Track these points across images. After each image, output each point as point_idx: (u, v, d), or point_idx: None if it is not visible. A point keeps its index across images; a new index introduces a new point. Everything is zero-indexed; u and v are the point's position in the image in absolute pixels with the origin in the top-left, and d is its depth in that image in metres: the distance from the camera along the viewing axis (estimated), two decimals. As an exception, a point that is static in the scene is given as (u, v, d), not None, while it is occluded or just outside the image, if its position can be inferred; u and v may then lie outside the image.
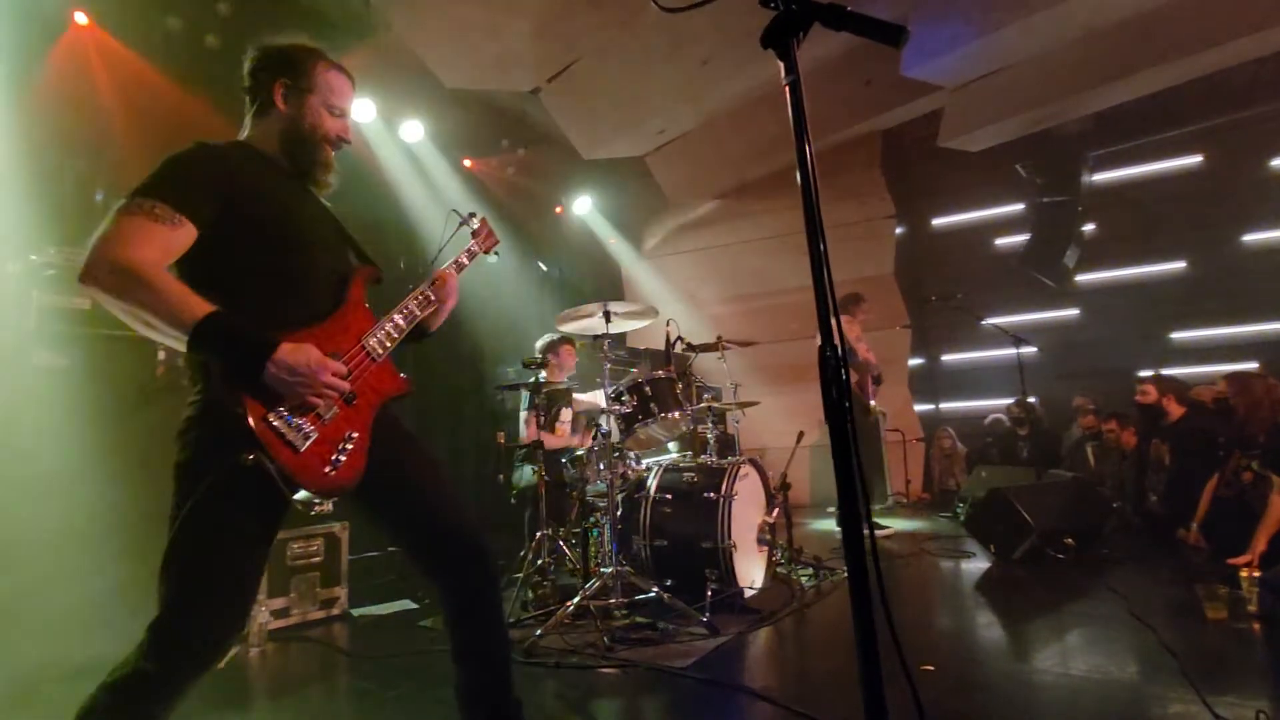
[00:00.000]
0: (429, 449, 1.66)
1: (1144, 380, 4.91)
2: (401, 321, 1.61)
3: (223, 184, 1.39)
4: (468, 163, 6.12)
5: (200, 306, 1.25)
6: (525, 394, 4.11)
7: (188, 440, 1.36)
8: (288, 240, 1.47)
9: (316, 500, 1.37)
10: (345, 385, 1.38)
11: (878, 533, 5.06)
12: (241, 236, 1.40)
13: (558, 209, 7.21)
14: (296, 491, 1.33)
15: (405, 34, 4.95)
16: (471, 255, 1.95)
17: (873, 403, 5.84)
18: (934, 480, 7.27)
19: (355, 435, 1.42)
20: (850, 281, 6.85)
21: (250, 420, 1.25)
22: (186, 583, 1.31)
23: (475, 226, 2.05)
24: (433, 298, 1.69)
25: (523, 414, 4.12)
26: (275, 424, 1.29)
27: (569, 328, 3.57)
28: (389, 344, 1.56)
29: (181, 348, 1.28)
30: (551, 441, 4.00)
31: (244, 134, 1.59)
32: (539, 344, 4.28)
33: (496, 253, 2.10)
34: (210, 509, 1.29)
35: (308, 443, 1.32)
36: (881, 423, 6.88)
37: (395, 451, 1.53)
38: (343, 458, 1.38)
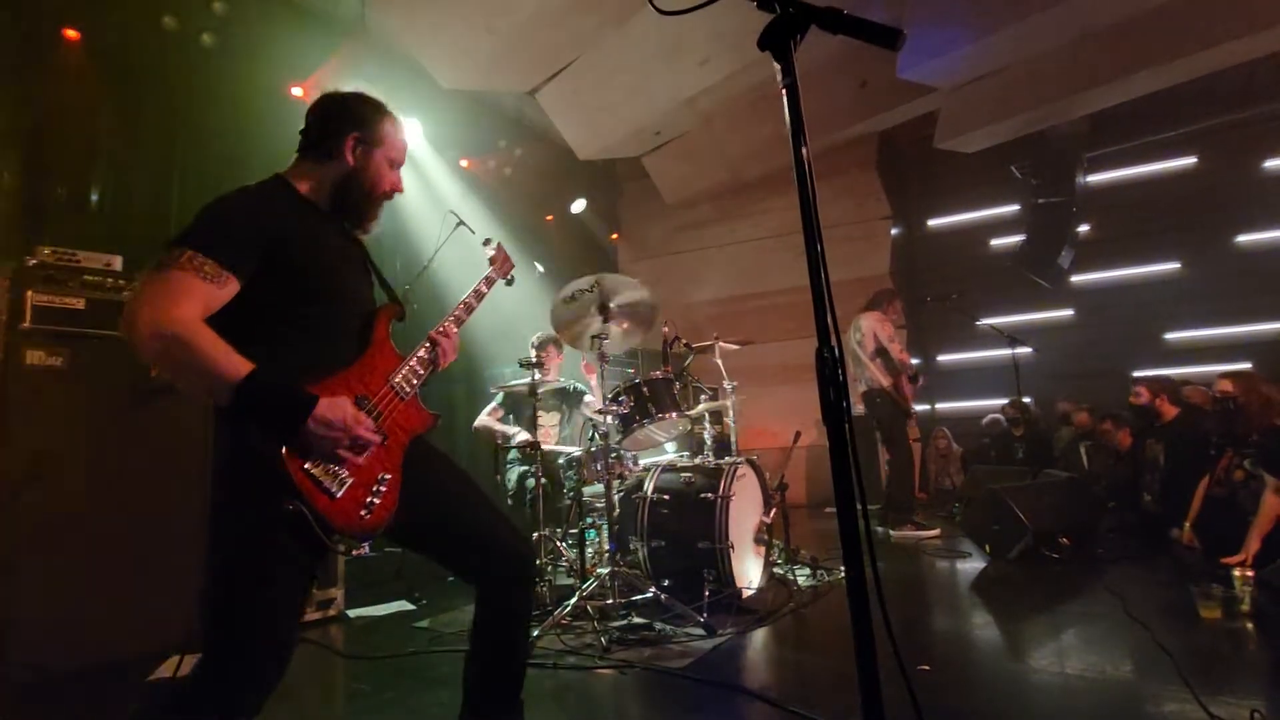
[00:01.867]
0: (455, 465, 1.68)
1: (1137, 381, 4.93)
2: (425, 355, 1.65)
3: (267, 237, 1.39)
4: (464, 163, 6.11)
5: (241, 366, 1.25)
6: (499, 393, 4.23)
7: (224, 482, 1.35)
8: (322, 291, 1.47)
9: (354, 545, 1.37)
10: (377, 439, 1.39)
11: (923, 534, 5.04)
12: (277, 287, 1.40)
13: (548, 218, 7.21)
14: (333, 536, 1.32)
15: (402, 34, 4.95)
16: (490, 282, 1.99)
17: (914, 407, 5.63)
18: (930, 480, 7.29)
19: (388, 477, 1.43)
20: (847, 282, 6.86)
21: (289, 469, 1.26)
22: (227, 627, 1.30)
23: (493, 253, 2.08)
24: (429, 360, 1.67)
25: (488, 407, 4.25)
26: (313, 471, 1.30)
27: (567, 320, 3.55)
28: (415, 381, 1.58)
29: (222, 403, 1.27)
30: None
31: (289, 169, 1.58)
32: (533, 340, 4.28)
33: (512, 278, 2.13)
34: (249, 557, 1.29)
35: (343, 488, 1.33)
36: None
37: (424, 482, 1.54)
38: (376, 500, 1.39)
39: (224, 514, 1.33)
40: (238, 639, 1.30)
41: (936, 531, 5.12)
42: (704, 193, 7.97)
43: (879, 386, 5.25)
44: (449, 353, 1.71)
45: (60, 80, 3.54)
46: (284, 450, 1.26)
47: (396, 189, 1.65)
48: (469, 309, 1.85)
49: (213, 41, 4.12)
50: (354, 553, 1.21)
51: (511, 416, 4.27)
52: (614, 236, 7.89)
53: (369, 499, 1.38)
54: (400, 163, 1.65)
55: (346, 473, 1.34)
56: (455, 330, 1.75)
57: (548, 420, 4.21)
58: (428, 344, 1.67)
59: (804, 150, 0.98)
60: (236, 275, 1.32)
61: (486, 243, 2.12)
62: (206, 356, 1.23)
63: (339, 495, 1.32)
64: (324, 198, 1.56)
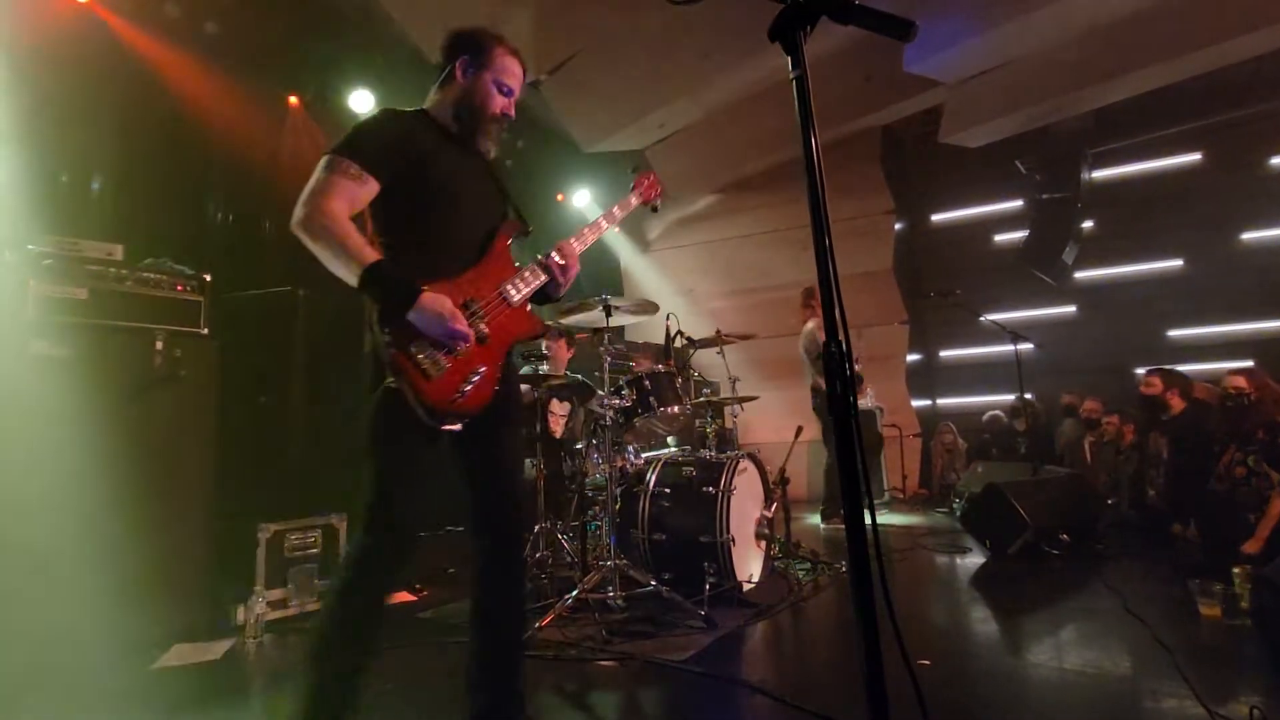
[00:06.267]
0: (519, 437, 1.93)
1: (1150, 372, 4.87)
2: (537, 268, 1.82)
3: (400, 146, 1.64)
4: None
5: (369, 256, 1.51)
6: None
7: (365, 368, 1.64)
8: (445, 199, 1.70)
9: (448, 420, 1.60)
10: (469, 332, 1.59)
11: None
12: (408, 193, 1.64)
13: (558, 196, 7.20)
14: (433, 413, 1.55)
15: (405, 24, 4.92)
16: (625, 206, 2.10)
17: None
18: (935, 475, 7.30)
19: (483, 369, 1.65)
20: (850, 277, 6.82)
21: (395, 353, 1.52)
22: (372, 476, 1.60)
23: (635, 178, 2.15)
24: (544, 272, 1.83)
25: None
26: (416, 356, 1.54)
27: (568, 319, 3.56)
28: (525, 289, 1.78)
29: (351, 283, 1.52)
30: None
31: (427, 102, 1.83)
32: None
33: (656, 206, 2.21)
34: (376, 421, 1.60)
35: (440, 373, 1.57)
36: (879, 417, 6.90)
37: (503, 415, 1.75)
38: (469, 387, 1.61)
39: (366, 392, 1.62)
40: (376, 485, 1.59)
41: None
42: (707, 186, 7.94)
43: (820, 386, 5.50)
44: (570, 268, 1.86)
45: (63, 67, 3.53)
46: (389, 336, 1.52)
47: (507, 112, 1.82)
48: (597, 230, 1.99)
49: (215, 29, 4.10)
50: (446, 427, 1.41)
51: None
52: (616, 231, 7.86)
53: (463, 385, 1.60)
54: (510, 89, 1.82)
55: (445, 361, 1.58)
56: (576, 249, 1.89)
57: (559, 408, 4.20)
58: (542, 257, 1.84)
59: (814, 142, 0.97)
60: (376, 177, 1.59)
61: (635, 170, 2.16)
62: (344, 245, 1.50)
63: (435, 378, 1.56)
64: (448, 119, 1.79)
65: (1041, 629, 2.92)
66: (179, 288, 3.08)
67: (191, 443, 3.06)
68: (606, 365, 3.33)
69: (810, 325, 5.73)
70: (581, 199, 7.22)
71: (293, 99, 4.54)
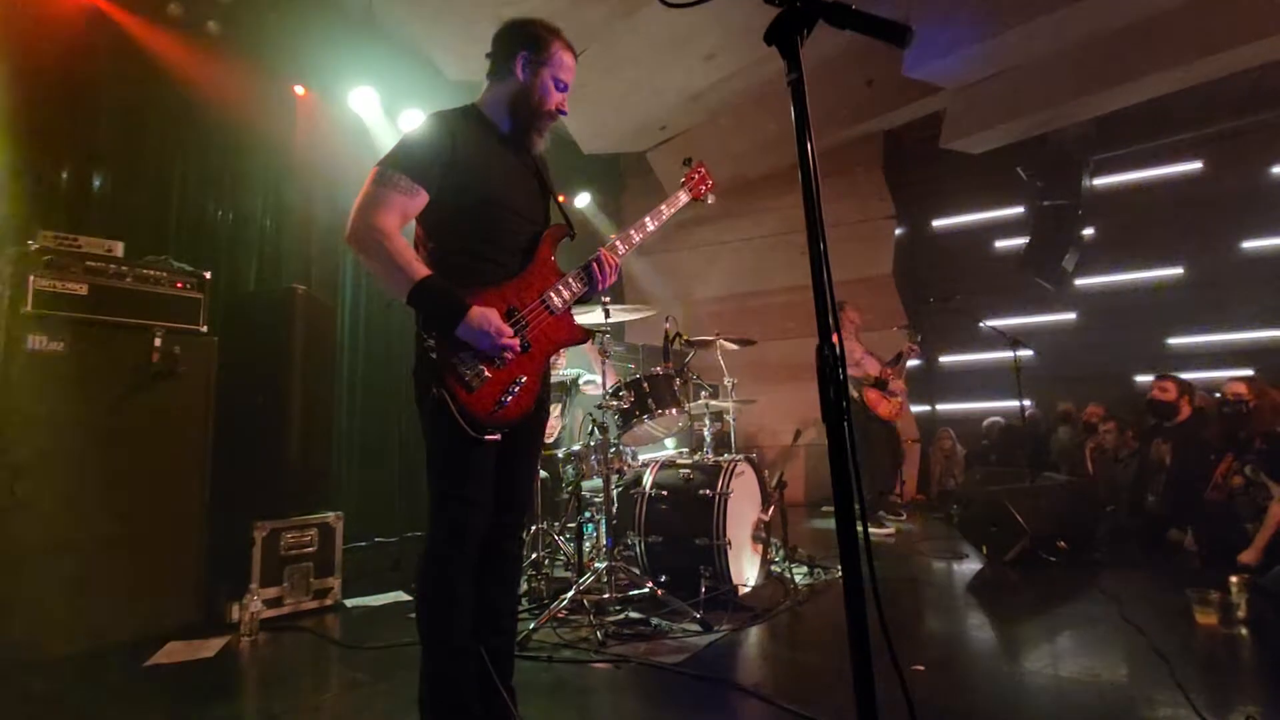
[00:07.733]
0: (540, 442, 1.96)
1: (1162, 376, 4.82)
2: (581, 275, 1.81)
3: (449, 155, 1.65)
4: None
5: (419, 271, 1.55)
6: None
7: (416, 376, 1.67)
8: (491, 206, 1.70)
9: (489, 430, 1.62)
10: (516, 344, 1.61)
11: (878, 532, 5.12)
12: (456, 201, 1.66)
13: (559, 197, 7.20)
14: (473, 422, 1.58)
15: (408, 24, 4.93)
16: (674, 203, 2.07)
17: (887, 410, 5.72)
18: (933, 480, 7.29)
19: (524, 379, 1.66)
20: (850, 282, 6.84)
21: (438, 363, 1.57)
22: (434, 475, 1.66)
23: (685, 172, 2.14)
24: (585, 279, 1.81)
25: None
26: (457, 367, 1.57)
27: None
28: (568, 296, 1.77)
29: (402, 299, 1.56)
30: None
31: (479, 96, 1.81)
32: None
33: (708, 201, 2.21)
34: (428, 426, 1.65)
35: (481, 384, 1.59)
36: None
37: (536, 420, 1.80)
38: (509, 398, 1.63)
39: (417, 402, 1.67)
40: (436, 487, 1.65)
41: (891, 531, 5.31)
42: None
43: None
44: (609, 275, 1.85)
45: (65, 62, 3.53)
46: (435, 347, 1.56)
47: (562, 109, 1.81)
48: (643, 231, 1.96)
49: (218, 29, 4.11)
50: (488, 437, 1.44)
51: None
52: (613, 237, 7.87)
53: (503, 396, 1.63)
54: (567, 84, 1.80)
55: (487, 372, 1.60)
56: (618, 253, 1.88)
57: (551, 410, 4.20)
58: (585, 265, 1.82)
59: (809, 146, 0.97)
60: (426, 188, 1.62)
61: (686, 163, 2.15)
62: (395, 260, 1.54)
63: (476, 389, 1.59)
64: (501, 116, 1.78)
65: (1038, 636, 2.91)
66: (179, 285, 3.09)
67: (188, 440, 3.06)
68: (605, 367, 3.33)
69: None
70: (582, 200, 7.22)
71: (299, 89, 4.51)
